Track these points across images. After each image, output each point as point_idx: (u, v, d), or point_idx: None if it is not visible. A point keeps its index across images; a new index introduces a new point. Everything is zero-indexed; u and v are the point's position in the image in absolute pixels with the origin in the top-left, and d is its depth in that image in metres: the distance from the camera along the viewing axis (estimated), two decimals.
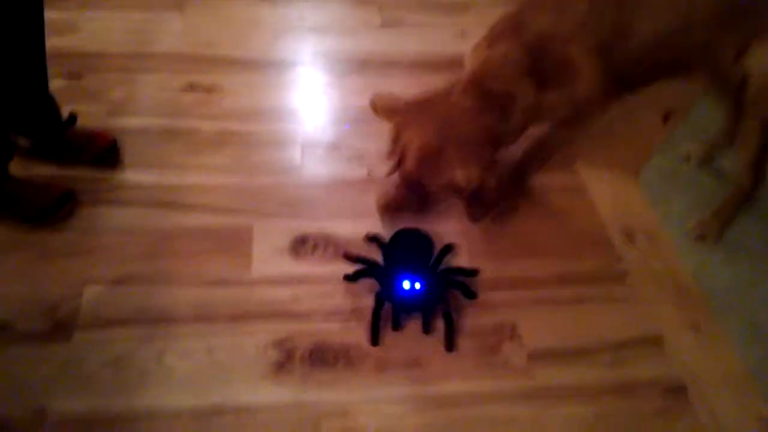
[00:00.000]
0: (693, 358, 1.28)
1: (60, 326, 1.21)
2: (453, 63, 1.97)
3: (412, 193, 1.29)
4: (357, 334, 1.26)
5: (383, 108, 1.35)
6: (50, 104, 1.43)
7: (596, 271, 1.42)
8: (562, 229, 1.50)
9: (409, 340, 1.26)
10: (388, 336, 1.26)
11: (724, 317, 1.35)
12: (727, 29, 1.26)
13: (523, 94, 1.25)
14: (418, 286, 1.25)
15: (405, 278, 1.25)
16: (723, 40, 1.27)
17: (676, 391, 1.23)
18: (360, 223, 1.44)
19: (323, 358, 1.22)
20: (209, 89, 1.79)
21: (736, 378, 1.26)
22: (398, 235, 1.36)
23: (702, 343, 1.31)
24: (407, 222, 1.37)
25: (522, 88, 1.25)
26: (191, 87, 1.79)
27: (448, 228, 1.46)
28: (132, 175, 1.53)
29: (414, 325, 1.28)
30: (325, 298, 1.31)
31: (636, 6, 1.25)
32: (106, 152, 1.52)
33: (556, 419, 1.16)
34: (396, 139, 1.28)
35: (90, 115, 1.61)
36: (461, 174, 1.20)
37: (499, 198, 1.29)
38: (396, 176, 1.29)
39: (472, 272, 1.33)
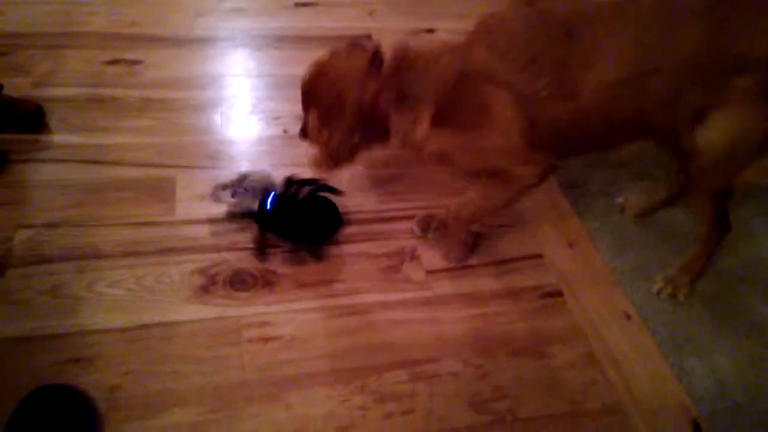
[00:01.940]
0: (568, 268, 1.48)
1: None
2: (362, 37, 2.14)
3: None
4: (273, 262, 1.40)
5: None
6: None
7: None
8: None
9: (322, 263, 1.41)
10: (303, 260, 1.41)
11: (596, 236, 1.56)
12: (694, 87, 1.12)
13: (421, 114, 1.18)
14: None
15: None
16: (687, 100, 1.13)
17: (554, 294, 1.42)
18: (277, 172, 1.57)
19: (243, 281, 1.35)
20: (133, 62, 1.90)
21: (604, 283, 1.46)
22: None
23: (576, 257, 1.51)
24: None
25: (422, 106, 1.18)
26: (115, 61, 1.90)
27: (358, 173, 1.62)
28: (59, 137, 1.62)
29: (327, 250, 1.43)
30: (244, 233, 1.44)
31: (590, 65, 1.11)
32: (32, 116, 1.62)
33: (449, 318, 1.34)
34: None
35: (16, 87, 1.69)
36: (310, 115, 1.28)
37: None
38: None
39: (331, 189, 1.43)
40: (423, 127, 1.19)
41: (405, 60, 1.20)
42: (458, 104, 1.17)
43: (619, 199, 1.65)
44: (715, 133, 1.16)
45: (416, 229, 1.51)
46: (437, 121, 1.18)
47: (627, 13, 1.12)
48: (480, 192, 1.33)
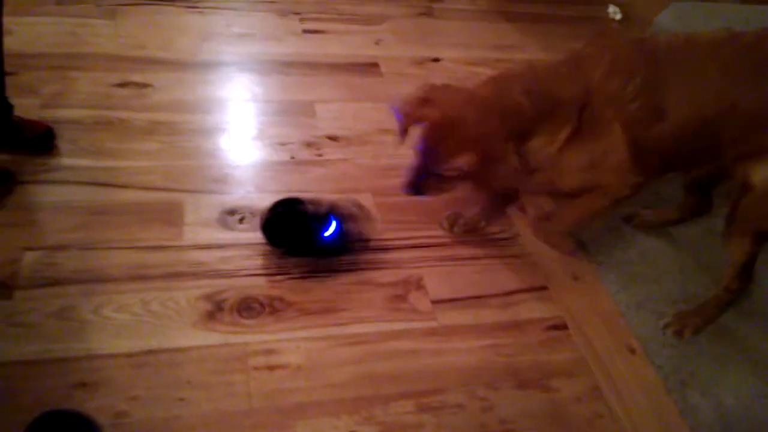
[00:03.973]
0: (573, 301, 1.49)
1: (1, 286, 1.30)
2: (369, 65, 2.18)
3: (425, 172, 1.28)
4: (281, 289, 1.40)
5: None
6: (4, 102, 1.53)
7: (488, 234, 1.61)
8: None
9: (328, 291, 1.41)
10: (310, 287, 1.41)
11: (601, 270, 1.57)
12: (759, 129, 1.24)
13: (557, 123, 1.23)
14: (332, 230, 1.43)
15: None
16: (750, 140, 1.25)
17: (559, 328, 1.43)
18: (281, 197, 1.58)
19: (250, 307, 1.35)
20: (141, 85, 1.91)
21: (609, 317, 1.47)
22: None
23: (581, 290, 1.52)
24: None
25: (564, 122, 1.23)
26: (123, 84, 1.91)
27: (365, 201, 1.63)
28: (67, 160, 1.63)
29: (333, 278, 1.43)
30: (252, 260, 1.45)
31: (680, 88, 1.22)
32: (41, 138, 1.62)
33: (454, 349, 1.34)
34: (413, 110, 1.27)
35: (25, 108, 1.68)
36: (462, 159, 1.21)
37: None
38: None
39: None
40: (556, 146, 1.24)
41: (534, 85, 1.24)
42: (585, 119, 1.23)
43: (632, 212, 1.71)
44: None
45: (445, 224, 1.60)
46: (571, 138, 1.24)
47: (721, 50, 1.23)
48: (571, 206, 1.42)
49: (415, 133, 1.26)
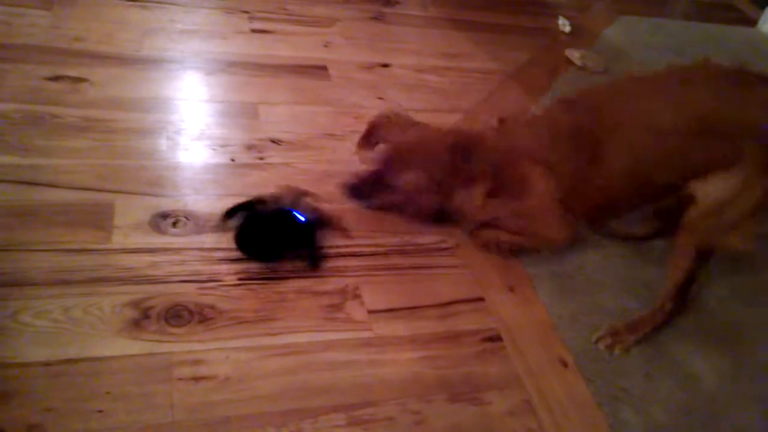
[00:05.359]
0: (508, 313, 1.49)
1: None
2: (317, 68, 2.15)
3: (374, 182, 1.55)
4: (213, 296, 1.36)
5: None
6: None
7: (427, 244, 1.60)
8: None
9: (262, 299, 1.38)
10: (243, 295, 1.37)
11: (536, 282, 1.57)
12: (691, 165, 1.37)
13: (481, 183, 1.47)
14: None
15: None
16: (685, 172, 1.38)
17: (493, 339, 1.42)
18: (223, 202, 1.54)
19: (178, 315, 1.31)
20: (76, 80, 1.84)
21: (543, 330, 1.47)
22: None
23: (517, 301, 1.52)
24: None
25: (481, 181, 1.47)
26: (56, 78, 1.84)
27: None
28: None
29: (267, 286, 1.40)
30: (183, 265, 1.40)
31: (614, 139, 1.39)
32: None
33: (389, 360, 1.32)
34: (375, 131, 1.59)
35: None
36: (408, 177, 1.50)
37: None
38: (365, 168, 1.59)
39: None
40: (478, 201, 1.47)
41: (463, 145, 1.49)
42: (505, 178, 1.45)
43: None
44: (713, 188, 1.35)
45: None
46: (490, 194, 1.46)
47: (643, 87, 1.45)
48: (511, 234, 1.57)
49: (378, 147, 1.59)
